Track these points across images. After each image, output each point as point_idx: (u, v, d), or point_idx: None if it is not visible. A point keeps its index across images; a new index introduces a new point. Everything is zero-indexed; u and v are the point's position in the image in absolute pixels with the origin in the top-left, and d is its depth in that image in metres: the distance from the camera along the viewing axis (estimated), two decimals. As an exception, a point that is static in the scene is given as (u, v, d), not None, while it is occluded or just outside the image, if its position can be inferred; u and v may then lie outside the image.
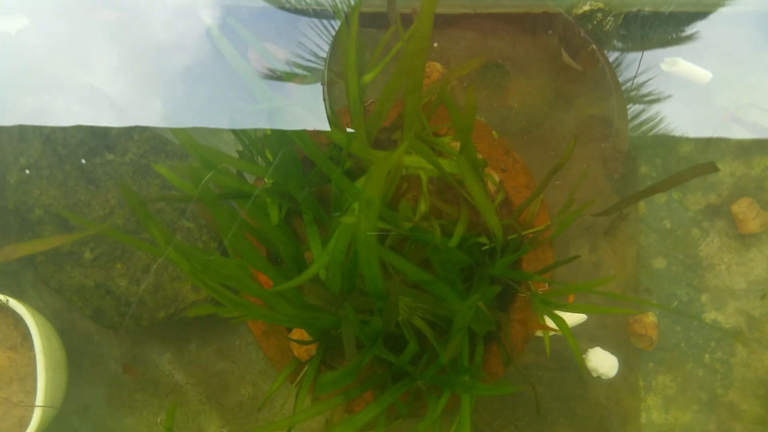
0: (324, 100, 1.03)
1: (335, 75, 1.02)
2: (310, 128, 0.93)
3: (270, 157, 0.91)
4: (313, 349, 0.96)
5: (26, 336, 1.03)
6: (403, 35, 0.94)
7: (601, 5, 1.06)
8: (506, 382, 0.76)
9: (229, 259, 0.81)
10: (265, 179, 0.90)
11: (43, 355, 0.98)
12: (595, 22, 1.06)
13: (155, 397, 1.11)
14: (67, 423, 1.11)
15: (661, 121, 1.05)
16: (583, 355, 1.00)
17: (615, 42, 1.09)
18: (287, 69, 1.08)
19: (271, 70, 1.07)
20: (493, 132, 0.97)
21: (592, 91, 1.08)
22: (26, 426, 0.98)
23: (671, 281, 1.04)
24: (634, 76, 1.06)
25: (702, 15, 1.07)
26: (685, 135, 1.04)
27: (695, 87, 1.03)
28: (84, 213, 1.04)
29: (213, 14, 1.09)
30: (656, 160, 1.06)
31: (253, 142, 0.91)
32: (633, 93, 1.07)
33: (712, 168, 0.73)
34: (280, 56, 1.10)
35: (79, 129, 1.06)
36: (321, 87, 1.03)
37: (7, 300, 1.01)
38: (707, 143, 1.04)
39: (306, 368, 0.95)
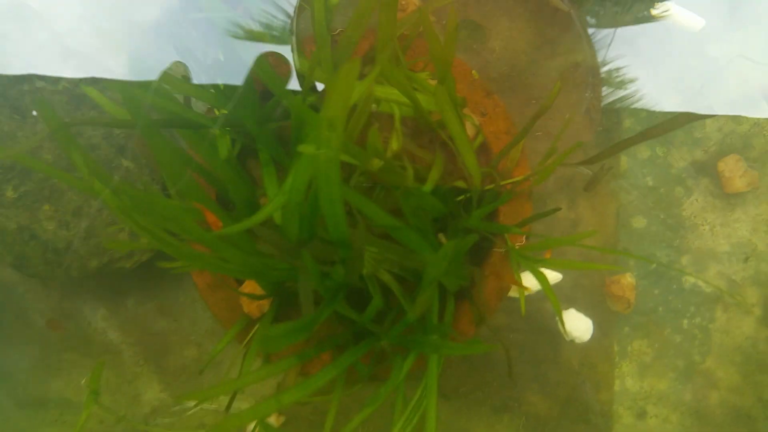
0: (291, 30, 0.92)
1: (304, 1, 0.91)
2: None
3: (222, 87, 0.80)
4: (265, 305, 0.87)
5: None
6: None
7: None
8: (478, 341, 0.69)
9: (167, 198, 0.70)
10: (215, 110, 0.79)
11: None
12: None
13: (86, 357, 1.00)
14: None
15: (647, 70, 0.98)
16: (557, 318, 0.93)
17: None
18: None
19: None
20: (473, 72, 0.88)
21: (579, 37, 0.99)
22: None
23: (651, 241, 0.98)
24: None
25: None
26: (674, 86, 0.97)
27: (687, 35, 0.96)
28: (8, 147, 0.91)
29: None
30: (641, 113, 0.99)
31: (203, 68, 0.80)
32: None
33: (694, 117, 0.66)
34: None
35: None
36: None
37: None
38: (696, 95, 0.97)
39: (257, 326, 0.86)
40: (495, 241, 0.84)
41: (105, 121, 0.84)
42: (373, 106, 0.80)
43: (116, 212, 0.66)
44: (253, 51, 0.88)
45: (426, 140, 0.88)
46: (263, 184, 0.80)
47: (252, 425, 0.92)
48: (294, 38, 0.90)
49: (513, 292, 0.87)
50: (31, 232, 0.91)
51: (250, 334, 0.88)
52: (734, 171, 0.95)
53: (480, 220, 0.81)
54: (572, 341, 0.93)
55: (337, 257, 0.72)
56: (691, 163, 0.98)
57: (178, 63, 0.97)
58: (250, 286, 0.86)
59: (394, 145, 0.75)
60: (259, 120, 0.77)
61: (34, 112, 0.91)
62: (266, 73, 0.74)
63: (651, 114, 0.99)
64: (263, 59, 0.75)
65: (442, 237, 0.84)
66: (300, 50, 0.84)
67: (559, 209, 0.89)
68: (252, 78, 0.75)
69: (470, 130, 0.86)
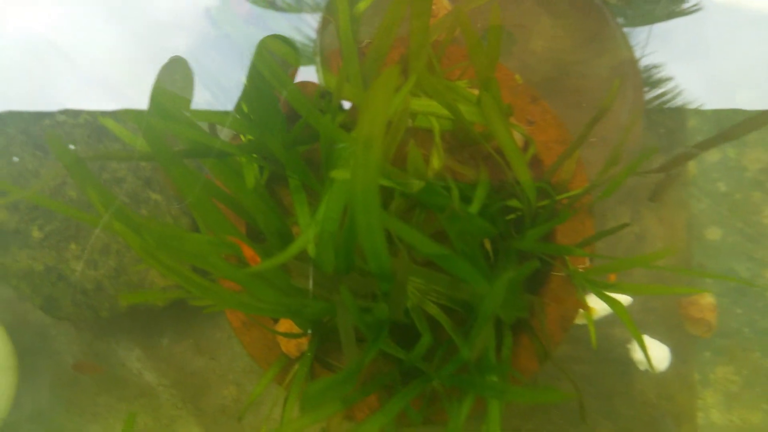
0: (314, 50, 0.86)
1: (328, 13, 0.85)
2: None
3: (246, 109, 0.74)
4: (304, 343, 0.80)
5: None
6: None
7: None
8: (551, 388, 0.60)
9: (194, 233, 0.64)
10: (241, 137, 0.73)
11: (-19, 356, 0.82)
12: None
13: (122, 400, 0.95)
14: (18, 433, 0.95)
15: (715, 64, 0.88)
16: (628, 346, 0.84)
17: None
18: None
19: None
20: (516, 76, 0.80)
21: (615, 32, 0.90)
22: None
23: (729, 254, 0.87)
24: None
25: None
26: (746, 79, 0.87)
27: (764, 21, 0.86)
28: (31, 184, 0.88)
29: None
30: (707, 112, 0.89)
31: (225, 92, 0.74)
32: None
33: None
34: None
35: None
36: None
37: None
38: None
39: (296, 367, 0.79)
40: (553, 264, 0.76)
41: (121, 155, 0.79)
42: (409, 120, 0.73)
43: (139, 252, 0.60)
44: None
45: (466, 155, 0.80)
46: (294, 212, 0.74)
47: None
48: (318, 57, 0.85)
49: (578, 320, 0.78)
50: (58, 273, 0.87)
51: (290, 376, 0.81)
52: (823, 171, 0.84)
53: (535, 241, 0.73)
54: (646, 371, 0.83)
55: (378, 290, 0.65)
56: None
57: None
58: (287, 324, 0.79)
59: (435, 163, 0.67)
60: (286, 144, 0.71)
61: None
62: (293, 94, 0.68)
63: (718, 113, 0.88)
64: (288, 80, 0.69)
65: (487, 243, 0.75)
66: (326, 66, 0.77)
67: (627, 224, 0.79)
68: (277, 101, 0.69)
69: (518, 141, 0.78)
